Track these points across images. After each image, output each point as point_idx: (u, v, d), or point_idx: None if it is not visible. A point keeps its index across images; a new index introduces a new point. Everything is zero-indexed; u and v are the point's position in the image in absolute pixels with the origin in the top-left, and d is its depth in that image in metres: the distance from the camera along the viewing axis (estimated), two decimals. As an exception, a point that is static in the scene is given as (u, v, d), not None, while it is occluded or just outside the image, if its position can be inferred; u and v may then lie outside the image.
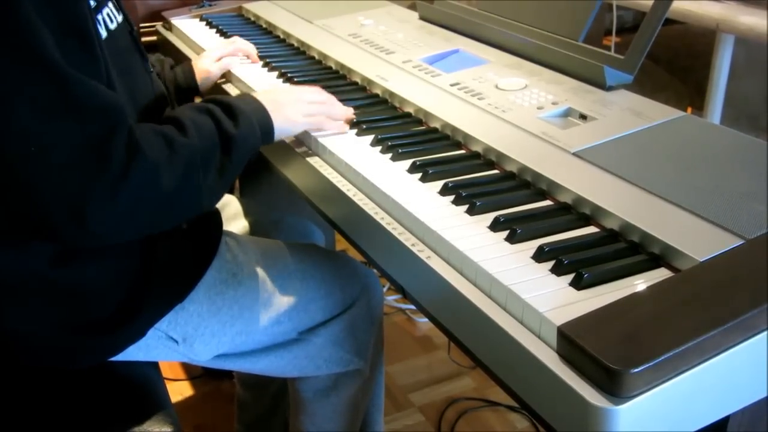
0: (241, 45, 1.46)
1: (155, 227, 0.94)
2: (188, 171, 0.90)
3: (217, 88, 1.41)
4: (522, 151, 1.00)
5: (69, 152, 0.79)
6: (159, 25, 1.85)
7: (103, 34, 0.93)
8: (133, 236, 0.92)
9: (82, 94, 0.81)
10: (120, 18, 1.00)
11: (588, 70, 1.17)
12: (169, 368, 1.89)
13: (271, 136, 1.06)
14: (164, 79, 1.34)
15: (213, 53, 1.42)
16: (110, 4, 0.97)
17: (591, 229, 0.86)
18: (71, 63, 0.81)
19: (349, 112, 1.16)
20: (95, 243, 0.88)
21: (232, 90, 1.37)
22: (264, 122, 1.04)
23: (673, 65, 2.27)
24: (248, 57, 1.46)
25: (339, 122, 1.13)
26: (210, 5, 1.91)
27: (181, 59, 1.48)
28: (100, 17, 0.94)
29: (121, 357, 1.01)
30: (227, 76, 1.42)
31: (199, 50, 1.58)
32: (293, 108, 1.09)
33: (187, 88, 1.37)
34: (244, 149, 0.99)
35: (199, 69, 1.39)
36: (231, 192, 1.79)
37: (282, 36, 1.64)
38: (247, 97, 1.06)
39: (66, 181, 0.80)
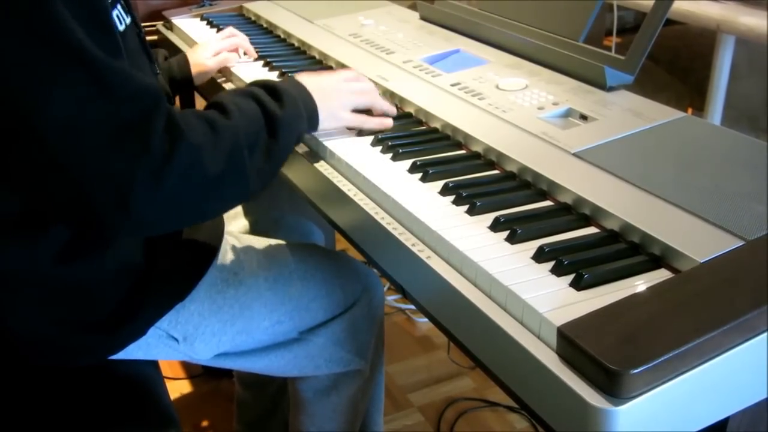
0: (239, 40, 1.46)
1: (202, 213, 0.93)
2: (233, 153, 0.88)
3: (216, 86, 1.41)
4: (522, 151, 1.00)
5: (107, 137, 0.78)
6: (160, 25, 1.85)
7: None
8: (180, 223, 0.90)
9: (116, 78, 0.80)
10: (129, 20, 1.00)
11: (588, 71, 1.17)
12: (169, 367, 1.89)
13: (316, 123, 1.05)
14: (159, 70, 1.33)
15: (209, 47, 1.42)
16: (119, 6, 0.97)
17: (591, 230, 0.86)
18: (102, 50, 0.80)
19: (391, 110, 1.16)
20: (141, 230, 0.87)
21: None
22: (310, 107, 1.04)
23: (674, 66, 2.27)
24: (246, 53, 1.47)
25: (379, 119, 1.13)
26: (211, 5, 1.91)
27: (181, 58, 1.48)
28: None
29: (121, 355, 1.01)
30: (227, 74, 1.42)
31: (199, 49, 1.57)
32: (339, 100, 1.09)
33: (181, 79, 1.37)
34: (290, 131, 0.98)
35: (195, 62, 1.39)
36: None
37: (282, 36, 1.64)
38: (293, 81, 1.05)
39: (108, 166, 0.79)
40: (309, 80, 1.07)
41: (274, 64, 1.43)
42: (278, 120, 0.95)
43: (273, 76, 1.39)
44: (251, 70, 1.41)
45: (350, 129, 1.12)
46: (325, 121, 1.07)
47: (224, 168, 0.86)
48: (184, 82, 1.38)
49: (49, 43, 0.77)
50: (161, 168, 0.80)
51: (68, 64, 0.77)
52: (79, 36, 0.78)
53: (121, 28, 0.96)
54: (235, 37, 1.47)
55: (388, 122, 1.14)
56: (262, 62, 1.46)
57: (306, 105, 1.03)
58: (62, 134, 0.78)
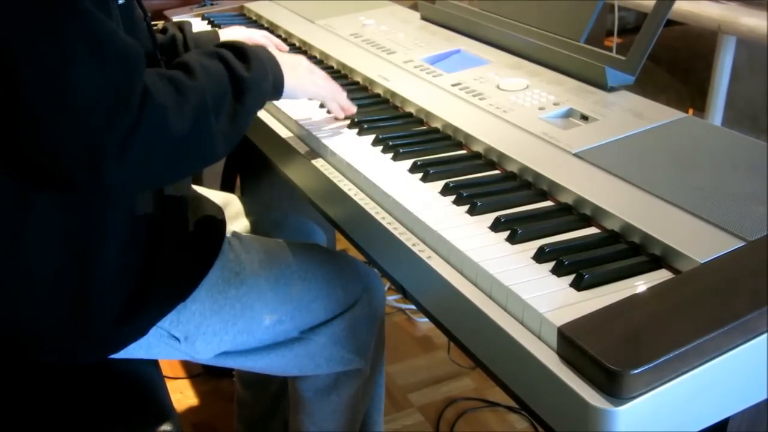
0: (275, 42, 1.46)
1: (172, 174, 0.93)
2: (199, 114, 0.87)
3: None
4: (523, 151, 1.00)
5: (90, 93, 0.78)
6: (161, 25, 1.85)
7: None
8: (149, 184, 0.91)
9: (104, 35, 0.79)
10: None
11: (589, 71, 1.17)
12: (169, 366, 1.89)
13: (281, 90, 1.05)
14: (186, 39, 1.32)
15: (245, 31, 1.43)
16: None
17: (592, 230, 0.86)
18: (94, 6, 0.80)
19: (352, 108, 1.16)
20: (109, 189, 0.87)
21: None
22: (276, 72, 1.03)
23: (675, 66, 2.27)
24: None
25: (340, 108, 1.14)
26: (212, 4, 1.91)
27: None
28: None
29: (122, 354, 1.01)
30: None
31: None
32: (306, 76, 1.10)
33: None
34: (256, 93, 0.97)
35: (227, 40, 1.38)
36: (232, 191, 1.79)
37: (283, 35, 1.64)
38: (263, 48, 1.04)
39: (86, 122, 0.78)
40: (280, 54, 1.07)
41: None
42: (244, 81, 0.95)
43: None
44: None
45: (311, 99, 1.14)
46: (290, 88, 1.06)
47: (190, 130, 0.86)
48: None
49: None
50: (130, 130, 0.80)
51: (61, 12, 0.77)
52: None
53: (122, 0, 0.96)
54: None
55: (342, 115, 1.14)
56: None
57: (272, 69, 1.02)
58: (46, 86, 0.77)
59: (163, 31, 1.36)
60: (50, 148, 0.80)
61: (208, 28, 1.74)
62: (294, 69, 1.07)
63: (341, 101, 1.15)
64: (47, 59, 0.77)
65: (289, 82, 1.05)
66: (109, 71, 0.79)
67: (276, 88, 1.04)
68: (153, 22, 1.44)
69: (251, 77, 0.96)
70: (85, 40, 0.78)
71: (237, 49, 0.99)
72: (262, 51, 1.02)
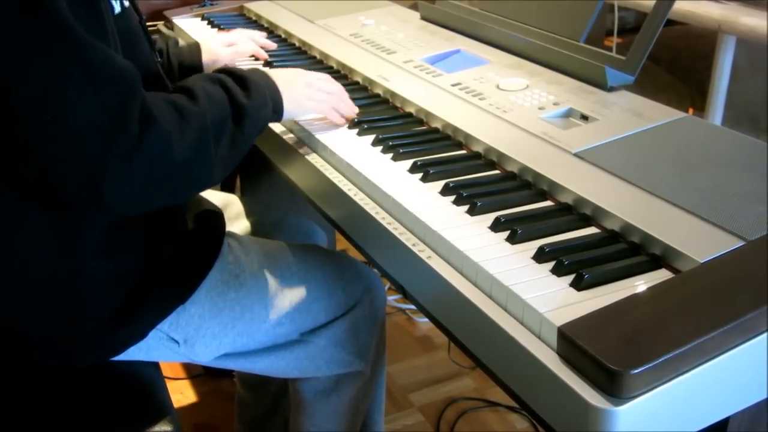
0: (256, 43, 1.47)
1: (169, 198, 0.94)
2: (200, 140, 0.89)
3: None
4: (523, 151, 1.00)
5: (85, 119, 0.79)
6: (161, 25, 1.85)
7: (117, 9, 0.94)
8: (147, 207, 0.91)
9: (98, 60, 0.80)
10: (127, 4, 1.01)
11: (589, 71, 1.17)
12: (170, 367, 1.89)
13: (281, 114, 1.07)
14: (168, 54, 1.34)
15: (224, 36, 1.43)
16: None
17: (592, 230, 0.86)
18: (86, 30, 0.80)
19: (354, 110, 1.17)
20: (110, 212, 0.88)
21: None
22: (275, 97, 1.05)
23: (675, 66, 2.27)
24: (256, 57, 1.47)
25: (341, 116, 1.14)
26: (211, 4, 1.91)
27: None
28: None
29: (121, 357, 1.01)
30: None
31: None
32: (303, 91, 1.10)
33: (190, 66, 1.37)
34: (256, 121, 0.99)
35: (207, 49, 1.39)
36: (232, 192, 1.79)
37: (283, 35, 1.64)
38: (259, 72, 1.06)
39: (83, 148, 0.79)
40: (276, 72, 1.09)
41: (275, 64, 1.43)
42: (245, 109, 0.96)
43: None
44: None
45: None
46: (290, 111, 1.08)
47: (191, 155, 0.87)
48: (193, 69, 1.37)
49: (34, 20, 0.77)
50: (132, 153, 0.81)
51: (52, 39, 0.78)
52: (65, 15, 0.78)
53: (126, 4, 0.96)
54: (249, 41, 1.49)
55: (344, 122, 1.15)
56: (262, 62, 1.46)
57: (272, 95, 1.04)
58: (39, 111, 0.78)
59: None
60: (50, 171, 0.82)
61: (208, 28, 1.74)
62: (292, 88, 1.08)
63: (342, 110, 1.15)
64: (40, 88, 0.78)
65: (288, 104, 1.07)
66: (104, 97, 0.80)
67: (276, 113, 1.06)
68: (153, 23, 1.45)
69: (251, 105, 0.98)
70: (78, 68, 0.79)
71: (237, 76, 1.00)
72: (260, 77, 1.04)
